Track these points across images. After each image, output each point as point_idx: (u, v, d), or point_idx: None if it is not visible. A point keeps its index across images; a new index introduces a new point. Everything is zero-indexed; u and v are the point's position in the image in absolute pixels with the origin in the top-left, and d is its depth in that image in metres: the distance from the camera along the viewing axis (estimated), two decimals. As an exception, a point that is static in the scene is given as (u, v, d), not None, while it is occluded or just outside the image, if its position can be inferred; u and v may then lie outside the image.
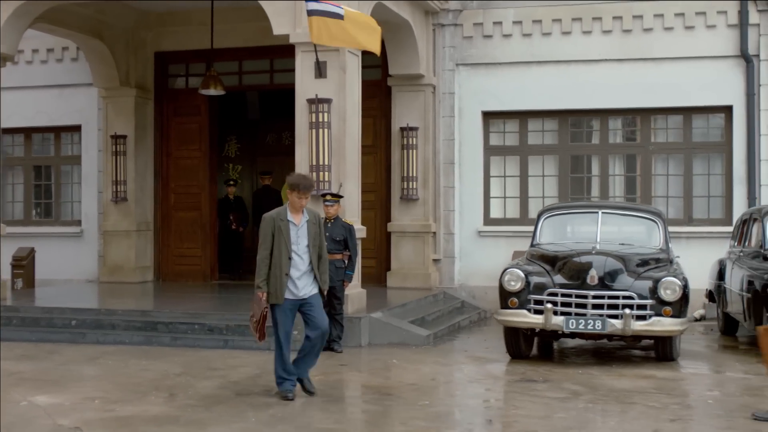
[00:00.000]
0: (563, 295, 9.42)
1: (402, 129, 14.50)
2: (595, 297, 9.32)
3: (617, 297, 9.32)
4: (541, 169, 14.81)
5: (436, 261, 14.74)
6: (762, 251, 10.41)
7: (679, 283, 9.33)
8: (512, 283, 9.59)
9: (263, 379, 8.71)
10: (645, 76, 14.22)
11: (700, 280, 12.45)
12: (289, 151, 16.68)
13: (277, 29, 11.54)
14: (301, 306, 7.77)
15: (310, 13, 10.61)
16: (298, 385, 7.90)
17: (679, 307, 9.34)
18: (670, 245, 11.18)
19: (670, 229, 13.81)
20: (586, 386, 8.34)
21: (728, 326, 11.94)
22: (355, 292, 11.46)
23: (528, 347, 10.01)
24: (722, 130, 14.27)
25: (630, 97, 14.30)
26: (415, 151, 14.50)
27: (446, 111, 14.79)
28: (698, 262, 12.68)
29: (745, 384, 8.55)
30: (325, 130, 11.24)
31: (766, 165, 13.84)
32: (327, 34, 10.65)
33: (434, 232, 14.70)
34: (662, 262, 10.18)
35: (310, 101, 11.25)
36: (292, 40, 11.43)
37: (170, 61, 15.90)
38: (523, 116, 14.85)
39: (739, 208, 13.53)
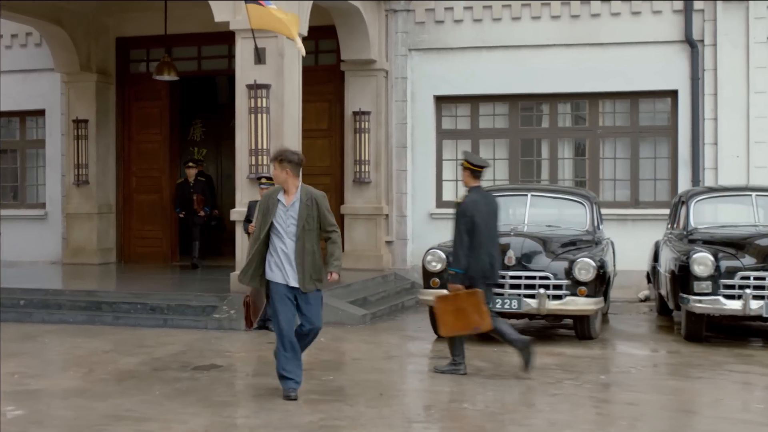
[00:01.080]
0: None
1: (355, 113, 14.77)
2: (512, 277, 9.61)
3: (534, 277, 9.62)
4: (492, 152, 15.07)
5: (388, 243, 15.04)
6: (685, 233, 10.69)
7: (594, 264, 9.60)
8: (434, 264, 9.90)
9: (187, 355, 9.06)
10: (593, 61, 14.45)
11: (645, 262, 12.74)
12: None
13: (218, 16, 11.81)
14: (296, 297, 7.10)
15: (247, 0, 10.90)
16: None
17: (594, 287, 9.62)
18: (601, 227, 11.51)
19: (618, 211, 14.28)
20: (492, 363, 8.66)
21: (664, 307, 12.19)
22: (294, 272, 11.76)
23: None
24: (668, 115, 14.51)
25: (578, 82, 14.53)
26: (367, 135, 14.77)
27: (399, 95, 15.05)
28: (645, 244, 12.94)
29: (648, 361, 8.85)
30: (264, 115, 11.52)
31: (709, 148, 14.08)
32: (264, 20, 10.92)
33: (387, 215, 14.99)
34: (586, 243, 10.47)
35: (249, 87, 11.53)
36: (231, 27, 11.70)
37: (131, 46, 16.18)
38: (474, 100, 15.10)
39: (684, 191, 13.81)
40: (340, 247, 7.30)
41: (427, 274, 9.89)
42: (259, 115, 11.51)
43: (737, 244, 9.76)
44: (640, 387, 7.65)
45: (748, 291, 9.23)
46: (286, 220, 7.05)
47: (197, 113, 18.64)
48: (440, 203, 15.13)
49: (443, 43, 14.98)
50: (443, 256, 9.84)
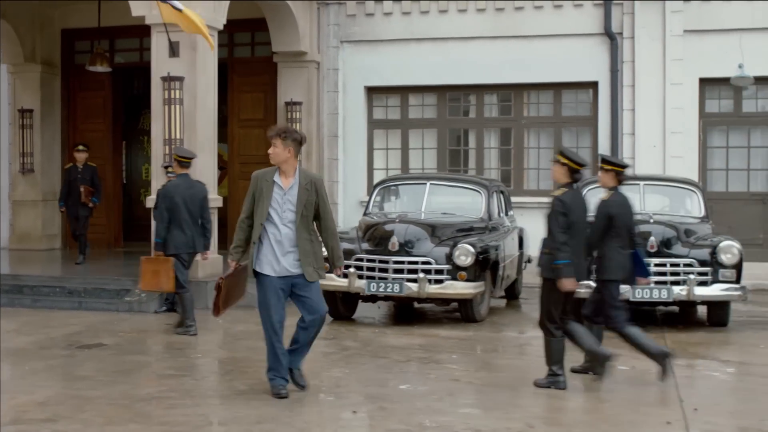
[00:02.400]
0: (368, 260, 10.17)
1: (287, 104, 15.20)
2: (395, 262, 10.06)
3: (416, 262, 10.06)
4: (421, 142, 15.50)
5: (320, 229, 15.47)
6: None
7: (472, 249, 10.03)
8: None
9: (81, 335, 9.54)
10: (517, 52, 14.85)
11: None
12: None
13: (135, 11, 12.26)
14: (292, 287, 6.56)
15: (159, -2, 11.37)
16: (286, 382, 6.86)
17: (474, 271, 10.05)
18: (503, 215, 11.95)
19: (541, 200, 14.54)
20: (362, 342, 9.13)
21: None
22: (215, 258, 12.25)
23: (348, 309, 10.76)
24: (590, 105, 14.92)
25: (504, 73, 14.94)
26: (299, 124, 15.18)
27: (330, 86, 15.48)
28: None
29: (509, 342, 9.30)
30: (178, 106, 11.97)
31: (628, 138, 14.49)
32: (175, 17, 11.38)
33: (318, 202, 15.41)
34: (478, 230, 10.89)
35: (164, 79, 11.98)
36: (147, 21, 12.14)
37: (76, 38, 16.64)
38: (404, 91, 15.53)
39: (601, 180, 14.18)
40: (339, 240, 6.84)
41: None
42: (173, 107, 11.96)
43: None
44: (466, 364, 8.05)
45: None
46: (283, 205, 6.43)
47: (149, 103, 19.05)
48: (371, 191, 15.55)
49: (374, 36, 15.41)
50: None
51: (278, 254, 6.43)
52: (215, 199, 12.40)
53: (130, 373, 7.62)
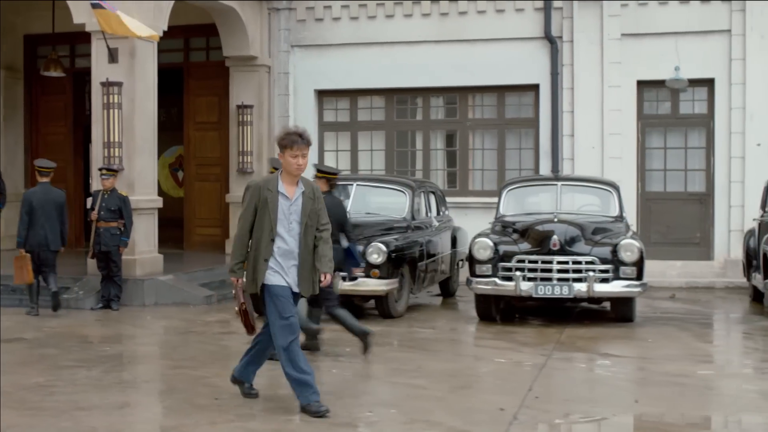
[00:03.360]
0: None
1: (238, 107, 15.61)
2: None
3: (332, 260, 10.43)
4: (370, 143, 15.88)
5: (271, 229, 15.88)
6: (494, 220, 11.47)
7: (384, 248, 10.41)
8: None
9: (7, 332, 9.91)
10: (461, 56, 15.21)
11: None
12: (164, 127, 17.98)
13: (77, 18, 12.66)
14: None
15: (94, 5, 11.79)
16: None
17: (387, 269, 10.44)
18: (429, 214, 12.33)
19: (485, 200, 14.99)
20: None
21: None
22: (149, 257, 12.68)
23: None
24: (532, 108, 15.25)
25: (449, 77, 15.30)
26: (250, 127, 15.62)
27: (281, 90, 15.88)
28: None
29: (405, 337, 9.66)
30: (117, 111, 12.39)
31: (567, 140, 14.83)
32: (112, 24, 11.81)
33: (269, 203, 15.82)
34: (398, 229, 11.26)
35: (103, 84, 12.40)
36: (87, 29, 12.54)
37: (38, 43, 17.09)
38: (353, 94, 15.91)
39: (541, 181, 14.55)
40: (332, 248, 6.40)
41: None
42: (112, 111, 12.38)
43: (521, 231, 10.53)
44: (352, 357, 8.39)
45: (518, 273, 10.01)
46: (290, 216, 6.11)
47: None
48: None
49: (323, 40, 15.80)
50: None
51: (285, 267, 6.11)
52: (155, 200, 12.83)
53: (30, 365, 8.03)
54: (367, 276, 10.40)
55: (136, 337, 9.88)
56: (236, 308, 6.34)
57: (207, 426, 5.98)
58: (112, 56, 12.41)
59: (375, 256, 10.38)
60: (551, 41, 14.78)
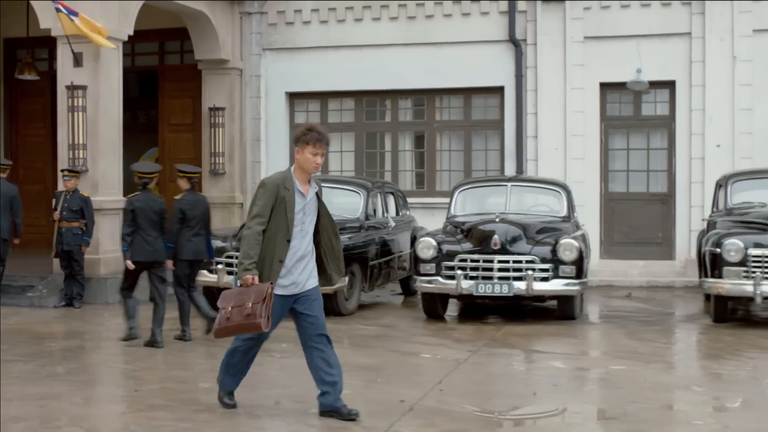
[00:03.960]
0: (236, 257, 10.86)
1: (210, 109, 15.90)
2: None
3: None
4: (340, 145, 16.14)
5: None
6: (446, 220, 11.72)
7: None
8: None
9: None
10: (429, 59, 15.45)
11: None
12: (144, 129, 18.32)
13: (43, 23, 13.00)
14: (296, 303, 6.01)
15: (57, 10, 12.12)
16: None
17: (335, 268, 10.69)
18: (386, 215, 12.61)
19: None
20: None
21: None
22: (113, 256, 12.96)
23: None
24: (497, 109, 15.49)
25: (416, 79, 15.55)
26: (222, 129, 15.91)
27: (253, 92, 16.17)
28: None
29: (345, 334, 9.91)
30: (81, 113, 12.71)
31: (531, 141, 15.05)
32: (75, 28, 12.14)
33: (241, 203, 16.12)
34: (350, 229, 11.50)
35: (68, 87, 12.72)
36: (53, 33, 12.87)
37: (18, 46, 17.45)
38: (323, 97, 16.18)
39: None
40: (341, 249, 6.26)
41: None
42: (77, 114, 12.70)
43: (466, 231, 10.77)
44: (285, 352, 8.69)
45: (459, 272, 10.25)
46: (304, 216, 5.99)
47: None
48: (293, 192, 16.23)
49: (294, 43, 16.07)
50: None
51: (300, 268, 5.94)
52: (119, 201, 13.07)
53: (-27, 360, 8.33)
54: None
55: (86, 333, 10.16)
56: (249, 305, 5.76)
57: (117, 416, 6.27)
58: (77, 60, 12.73)
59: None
60: (515, 44, 15.01)
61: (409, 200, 14.80)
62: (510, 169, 15.12)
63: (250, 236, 5.90)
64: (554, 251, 10.30)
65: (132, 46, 16.82)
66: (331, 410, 6.03)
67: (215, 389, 6.46)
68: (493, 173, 15.37)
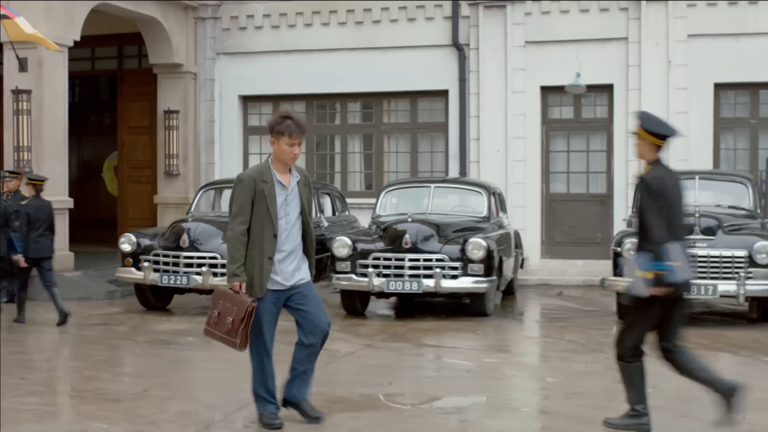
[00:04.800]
0: (164, 255, 11.27)
1: (165, 112, 16.34)
2: (186, 257, 11.16)
3: (204, 258, 11.13)
4: (291, 147, 16.51)
5: (197, 229, 16.59)
6: (371, 220, 12.11)
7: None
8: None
9: None
10: (376, 63, 15.85)
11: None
12: (108, 131, 18.77)
13: (-10, 29, 13.45)
14: (289, 299, 5.81)
15: (2, 16, 12.57)
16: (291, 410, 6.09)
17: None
18: (319, 215, 12.99)
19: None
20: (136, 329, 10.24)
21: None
22: (60, 254, 13.34)
23: (160, 300, 11.86)
24: (442, 112, 15.86)
25: (365, 83, 15.94)
26: (176, 131, 16.35)
27: (207, 95, 16.61)
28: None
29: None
30: (26, 117, 13.17)
31: (474, 143, 15.41)
32: (20, 34, 12.58)
33: (195, 204, 16.55)
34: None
35: (13, 92, 13.18)
36: (1, 40, 13.33)
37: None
38: (275, 100, 16.58)
39: (448, 183, 15.15)
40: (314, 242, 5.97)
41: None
42: (21, 117, 13.16)
43: (382, 231, 11.15)
44: (189, 346, 9.08)
45: (371, 270, 10.64)
46: (288, 206, 5.73)
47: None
48: (247, 193, 16.65)
49: (247, 48, 16.50)
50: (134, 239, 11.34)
51: (286, 263, 5.70)
52: (65, 201, 13.57)
53: None
54: (215, 275, 11.05)
55: (7, 328, 10.60)
56: (224, 316, 5.59)
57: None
58: (22, 65, 13.15)
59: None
60: (459, 48, 15.38)
61: (358, 201, 15.24)
62: (454, 171, 15.49)
63: (234, 238, 5.64)
64: (463, 250, 10.66)
65: (92, 50, 17.34)
66: (295, 402, 5.96)
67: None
68: (438, 174, 15.74)
